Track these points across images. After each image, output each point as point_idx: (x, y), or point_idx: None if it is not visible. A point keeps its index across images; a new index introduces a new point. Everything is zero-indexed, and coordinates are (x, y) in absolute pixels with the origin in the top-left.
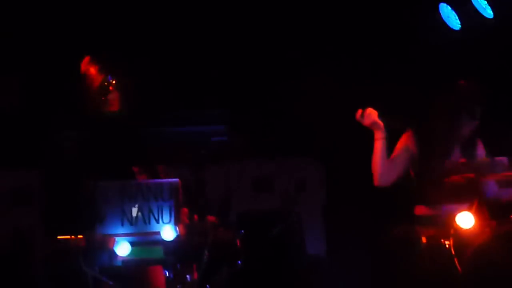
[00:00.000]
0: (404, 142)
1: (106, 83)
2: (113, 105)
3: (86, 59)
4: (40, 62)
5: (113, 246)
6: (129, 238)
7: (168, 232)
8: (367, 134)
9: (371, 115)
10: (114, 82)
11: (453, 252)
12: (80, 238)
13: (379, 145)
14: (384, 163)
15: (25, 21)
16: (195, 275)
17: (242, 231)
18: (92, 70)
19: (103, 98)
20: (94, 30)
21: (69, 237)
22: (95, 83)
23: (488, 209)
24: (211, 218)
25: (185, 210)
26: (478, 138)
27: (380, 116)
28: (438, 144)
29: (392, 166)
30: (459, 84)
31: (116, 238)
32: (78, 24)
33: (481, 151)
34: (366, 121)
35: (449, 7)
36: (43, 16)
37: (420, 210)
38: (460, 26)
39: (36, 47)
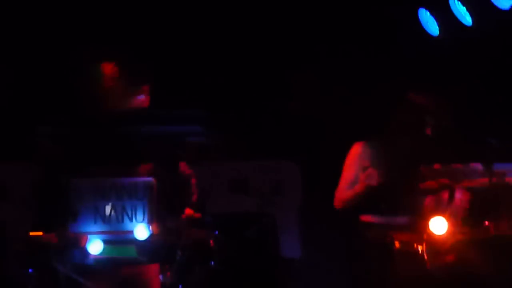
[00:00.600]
0: (356, 159)
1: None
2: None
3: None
4: (22, 53)
5: (85, 244)
6: (102, 236)
7: (141, 231)
8: (343, 136)
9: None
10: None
11: (425, 258)
12: (52, 234)
13: (362, 188)
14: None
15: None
16: (168, 275)
17: (216, 231)
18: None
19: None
20: (81, 25)
21: (41, 233)
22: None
23: (461, 215)
24: (186, 213)
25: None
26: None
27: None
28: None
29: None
30: (411, 97)
31: (89, 236)
32: (65, 19)
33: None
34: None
35: (428, 13)
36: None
37: (366, 218)
38: (438, 32)
39: (26, 40)
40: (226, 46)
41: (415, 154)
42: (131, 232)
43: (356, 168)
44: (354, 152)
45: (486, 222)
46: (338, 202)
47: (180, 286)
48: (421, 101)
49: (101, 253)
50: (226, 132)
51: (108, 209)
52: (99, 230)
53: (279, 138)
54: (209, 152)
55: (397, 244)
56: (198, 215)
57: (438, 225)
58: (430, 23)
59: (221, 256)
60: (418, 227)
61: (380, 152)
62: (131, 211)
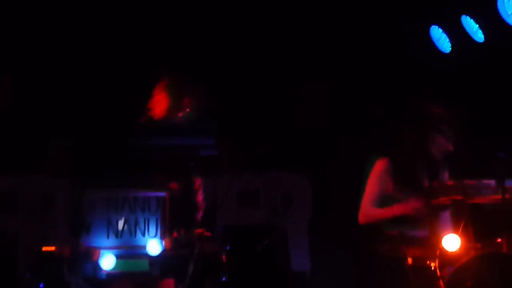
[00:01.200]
0: (381, 175)
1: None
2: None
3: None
4: (38, 64)
5: (98, 258)
6: (114, 250)
7: (154, 246)
8: (354, 150)
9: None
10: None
11: (438, 274)
12: (65, 248)
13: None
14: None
15: (23, 22)
16: None
17: (228, 247)
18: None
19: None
20: (90, 36)
21: (53, 248)
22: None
23: (474, 232)
24: (198, 231)
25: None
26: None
27: None
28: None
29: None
30: (427, 110)
31: (102, 250)
32: (75, 29)
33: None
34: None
35: (440, 30)
36: (42, 18)
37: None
38: (450, 48)
39: (35, 48)
40: (240, 60)
41: (432, 170)
42: (144, 247)
43: (380, 184)
44: (379, 168)
45: (499, 239)
46: (363, 218)
47: None
48: (440, 114)
49: (113, 268)
50: (237, 145)
51: (121, 223)
52: (112, 244)
53: (289, 150)
54: (221, 164)
55: (409, 260)
56: (208, 233)
57: (451, 242)
58: (442, 40)
59: (233, 270)
60: (431, 243)
61: (401, 169)
62: (144, 225)
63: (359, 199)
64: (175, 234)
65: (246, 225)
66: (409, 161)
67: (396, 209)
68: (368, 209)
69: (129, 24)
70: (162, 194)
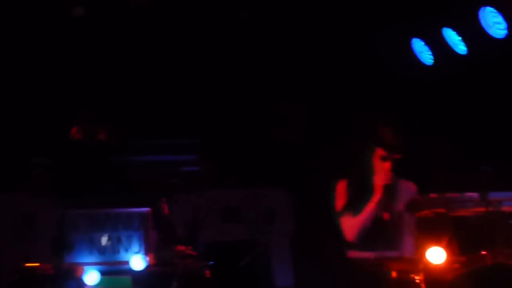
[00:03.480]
0: (343, 196)
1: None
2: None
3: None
4: (17, 83)
5: (81, 275)
6: (98, 267)
7: (137, 262)
8: (337, 165)
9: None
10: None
11: (423, 287)
12: (48, 265)
13: (372, 207)
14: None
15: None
16: None
17: (212, 262)
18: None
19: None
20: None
21: (37, 264)
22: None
23: (459, 245)
24: (180, 248)
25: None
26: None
27: None
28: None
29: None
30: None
31: (85, 267)
32: (56, 50)
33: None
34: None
35: (422, 42)
36: (23, 38)
37: (352, 254)
38: (433, 61)
39: (13, 68)
40: (221, 76)
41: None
42: (127, 262)
43: (348, 201)
44: (340, 190)
45: (483, 251)
46: (349, 233)
47: None
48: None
49: (97, 284)
50: (219, 161)
51: (104, 240)
52: (95, 261)
53: (271, 166)
54: (203, 181)
55: (393, 273)
56: (190, 250)
57: (436, 255)
58: (424, 53)
59: (216, 286)
60: (415, 257)
61: (358, 190)
62: (127, 242)
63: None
64: (156, 250)
65: (228, 241)
66: (362, 180)
67: (368, 207)
68: (348, 222)
69: (113, 42)
70: (145, 209)
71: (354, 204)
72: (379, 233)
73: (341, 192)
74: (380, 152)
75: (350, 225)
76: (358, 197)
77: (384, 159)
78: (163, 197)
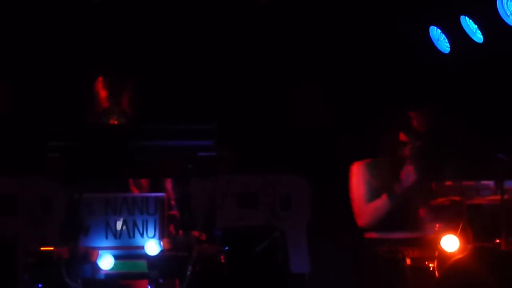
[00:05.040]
0: (361, 177)
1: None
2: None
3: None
4: (34, 69)
5: (96, 259)
6: (113, 251)
7: (152, 246)
8: (353, 152)
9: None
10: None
11: (437, 275)
12: (63, 249)
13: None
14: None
15: (20, 27)
16: None
17: (227, 247)
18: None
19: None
20: (86, 39)
21: (52, 248)
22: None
23: (473, 233)
24: (195, 233)
25: (171, 225)
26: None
27: None
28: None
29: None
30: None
31: (100, 251)
32: (71, 33)
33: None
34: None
35: (439, 30)
36: (38, 23)
37: (369, 235)
38: (449, 49)
39: (30, 53)
40: (238, 61)
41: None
42: (142, 247)
43: (364, 185)
44: (356, 172)
45: (498, 240)
46: (361, 219)
47: None
48: (400, 120)
49: (112, 268)
50: (236, 146)
51: (119, 224)
52: (110, 245)
53: (288, 152)
54: (219, 166)
55: (408, 260)
56: (203, 237)
57: (450, 243)
58: (441, 41)
59: (232, 271)
60: (430, 244)
61: (378, 171)
62: (142, 226)
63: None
64: (173, 233)
65: (245, 227)
66: (383, 164)
67: (377, 201)
68: (361, 210)
69: (130, 27)
70: (161, 194)
71: (370, 189)
72: (396, 215)
73: (356, 173)
74: (402, 137)
75: (363, 211)
76: (375, 182)
77: (404, 144)
78: (179, 182)
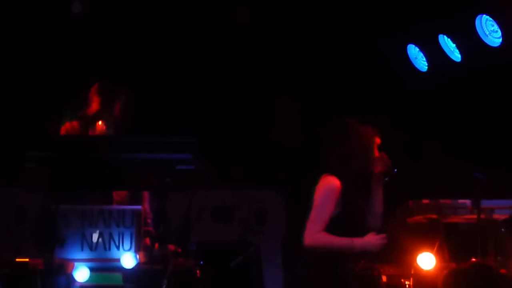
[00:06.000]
0: (333, 195)
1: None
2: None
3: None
4: (8, 77)
5: (72, 270)
6: (89, 263)
7: (128, 259)
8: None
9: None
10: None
11: None
12: (39, 260)
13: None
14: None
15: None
16: None
17: (202, 261)
18: (96, 99)
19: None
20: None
21: (27, 259)
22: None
23: (449, 251)
24: (171, 247)
25: (147, 239)
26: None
27: None
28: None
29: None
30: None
31: (75, 263)
32: (53, 42)
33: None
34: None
35: (417, 48)
36: (20, 31)
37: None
38: (427, 67)
39: (6, 62)
40: (218, 76)
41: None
42: (118, 260)
43: (331, 205)
44: (330, 187)
45: (474, 258)
46: (311, 241)
47: None
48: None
49: (87, 281)
50: (213, 161)
51: (95, 236)
52: (86, 257)
53: (263, 167)
54: (197, 180)
55: (384, 278)
56: (179, 249)
57: (426, 260)
58: (418, 59)
59: (207, 286)
60: (406, 261)
61: (349, 188)
62: (119, 239)
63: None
64: (149, 246)
65: (220, 242)
66: (355, 179)
67: (356, 243)
68: (318, 232)
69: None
70: (137, 207)
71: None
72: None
73: (332, 188)
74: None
75: (319, 237)
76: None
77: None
78: (157, 195)
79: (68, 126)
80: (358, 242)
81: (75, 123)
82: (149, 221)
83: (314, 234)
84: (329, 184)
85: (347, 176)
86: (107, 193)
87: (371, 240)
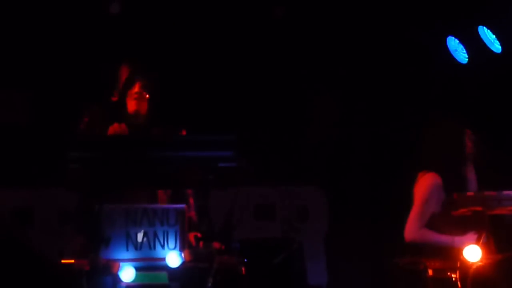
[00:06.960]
0: (436, 192)
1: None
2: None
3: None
4: (51, 78)
5: (117, 271)
6: (134, 263)
7: (173, 258)
8: (370, 164)
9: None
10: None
11: (459, 286)
12: (84, 261)
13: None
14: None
15: (38, 37)
16: None
17: (246, 259)
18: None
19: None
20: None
21: (73, 260)
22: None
23: (495, 243)
24: (216, 245)
25: (192, 235)
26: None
27: None
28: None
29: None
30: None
31: (121, 263)
32: (90, 43)
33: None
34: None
35: (457, 41)
36: (56, 33)
37: None
38: (467, 59)
39: (48, 63)
40: (257, 74)
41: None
42: (163, 259)
43: (435, 203)
44: (434, 184)
45: None
46: (412, 236)
47: None
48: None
49: (133, 280)
50: (254, 158)
51: (140, 235)
52: (131, 257)
53: (305, 163)
54: (239, 177)
55: (430, 271)
56: (223, 246)
57: (472, 253)
58: (458, 51)
59: (251, 283)
60: (452, 254)
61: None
62: (163, 238)
63: (406, 212)
64: (194, 245)
65: (262, 239)
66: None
67: (456, 241)
68: (420, 229)
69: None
70: (181, 206)
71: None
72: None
73: (433, 185)
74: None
75: (420, 234)
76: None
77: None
78: (199, 193)
79: (116, 127)
80: (459, 240)
81: (123, 125)
82: (194, 219)
83: (417, 231)
84: (431, 182)
85: (447, 172)
86: (150, 192)
87: (471, 239)
